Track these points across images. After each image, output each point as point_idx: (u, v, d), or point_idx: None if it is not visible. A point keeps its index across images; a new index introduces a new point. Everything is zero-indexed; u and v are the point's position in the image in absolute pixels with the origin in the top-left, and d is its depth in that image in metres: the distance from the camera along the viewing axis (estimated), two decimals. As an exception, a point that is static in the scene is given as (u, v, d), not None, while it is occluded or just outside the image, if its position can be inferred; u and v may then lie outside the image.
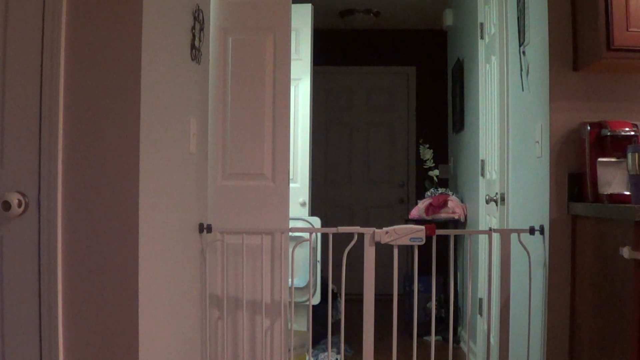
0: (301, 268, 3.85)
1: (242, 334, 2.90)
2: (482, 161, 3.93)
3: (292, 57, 3.08)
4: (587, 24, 2.40)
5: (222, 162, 2.97)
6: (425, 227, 2.73)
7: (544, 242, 2.56)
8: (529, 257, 2.62)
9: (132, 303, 2.07)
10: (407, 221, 4.90)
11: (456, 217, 4.59)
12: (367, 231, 2.75)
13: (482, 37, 4.00)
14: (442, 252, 3.08)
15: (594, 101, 2.52)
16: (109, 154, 2.08)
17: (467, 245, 3.08)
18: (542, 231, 2.58)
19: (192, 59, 2.65)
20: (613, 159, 2.38)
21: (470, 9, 4.42)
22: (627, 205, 2.05)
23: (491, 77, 3.68)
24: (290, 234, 2.94)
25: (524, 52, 2.88)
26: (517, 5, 2.98)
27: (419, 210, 4.78)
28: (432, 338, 2.84)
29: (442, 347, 3.32)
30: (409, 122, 6.49)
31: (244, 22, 2.99)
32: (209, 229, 2.82)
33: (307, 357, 3.40)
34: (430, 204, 4.70)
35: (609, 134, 2.36)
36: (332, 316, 3.09)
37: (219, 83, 2.98)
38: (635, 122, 2.40)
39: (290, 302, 2.91)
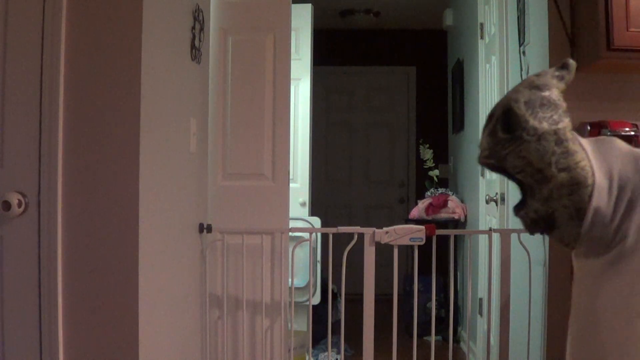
0: (301, 268, 3.84)
1: (242, 334, 2.90)
2: (482, 161, 3.92)
3: (292, 57, 3.08)
4: (587, 24, 2.40)
5: (222, 162, 2.97)
6: (425, 227, 2.73)
7: (543, 242, 2.56)
8: (529, 257, 2.62)
9: (132, 303, 2.07)
10: (407, 221, 4.90)
11: (456, 217, 4.59)
12: (367, 231, 2.75)
13: (482, 37, 4.00)
14: (442, 252, 3.08)
15: (594, 101, 2.52)
16: (108, 154, 2.08)
17: (467, 245, 3.08)
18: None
19: (192, 59, 2.65)
20: (613, 159, 2.38)
21: (470, 9, 4.42)
22: (627, 205, 2.05)
23: (491, 77, 3.68)
24: (290, 234, 2.94)
25: (524, 52, 2.88)
26: (517, 5, 2.98)
27: (419, 210, 4.78)
28: (432, 338, 2.84)
29: (442, 347, 3.33)
30: (409, 122, 6.49)
31: (244, 22, 2.99)
32: (209, 229, 2.82)
33: (307, 357, 3.40)
34: (430, 204, 4.70)
35: (609, 134, 2.36)
36: (332, 316, 3.09)
37: (219, 83, 2.98)
38: (635, 122, 2.40)
39: (290, 302, 2.91)
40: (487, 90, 3.80)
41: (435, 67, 6.10)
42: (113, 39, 2.08)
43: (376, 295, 2.76)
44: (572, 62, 1.19)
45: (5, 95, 2.07)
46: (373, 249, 2.75)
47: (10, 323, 2.06)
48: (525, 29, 2.85)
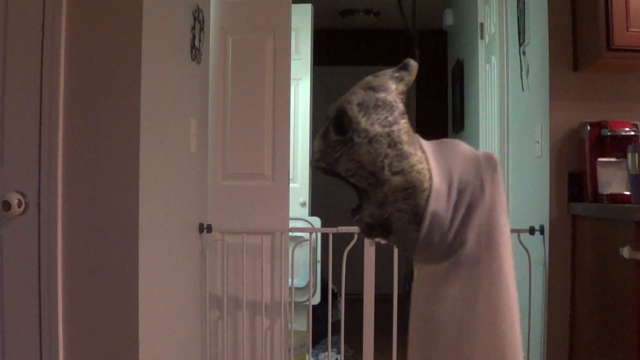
0: (301, 268, 3.84)
1: (242, 334, 2.90)
2: (482, 161, 3.93)
3: (292, 57, 3.08)
4: (587, 24, 2.40)
5: (222, 162, 2.97)
6: (425, 227, 2.73)
7: (544, 242, 2.56)
8: (529, 257, 2.62)
9: (132, 303, 2.07)
10: (407, 221, 4.89)
11: (456, 217, 4.58)
12: (367, 231, 2.75)
13: (482, 37, 4.00)
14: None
15: (594, 101, 2.52)
16: (108, 154, 2.08)
17: (467, 245, 3.08)
18: (542, 231, 2.58)
19: (192, 59, 2.65)
20: (613, 159, 2.38)
21: (470, 9, 4.42)
22: (627, 205, 2.05)
23: (491, 77, 3.68)
24: (290, 234, 2.94)
25: (524, 52, 2.88)
26: (517, 5, 2.98)
27: (419, 210, 4.77)
28: (432, 338, 2.84)
29: (442, 347, 3.32)
30: (409, 122, 6.48)
31: (244, 22, 2.99)
32: (209, 229, 2.82)
33: (307, 357, 3.40)
34: (430, 204, 4.69)
35: (609, 134, 2.36)
36: (332, 316, 3.09)
37: (219, 83, 2.98)
38: (635, 122, 2.40)
39: (290, 302, 2.91)
40: (487, 90, 3.80)
41: (435, 67, 6.10)
42: (113, 39, 2.08)
43: (376, 295, 2.76)
44: (412, 63, 1.15)
45: (5, 96, 2.07)
46: (373, 249, 2.75)
47: (10, 323, 2.06)
48: (525, 29, 2.85)
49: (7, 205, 2.00)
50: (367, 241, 2.74)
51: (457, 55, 5.12)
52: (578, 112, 2.51)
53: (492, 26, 3.68)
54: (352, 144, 1.07)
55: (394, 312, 2.80)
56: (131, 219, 2.07)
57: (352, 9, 5.74)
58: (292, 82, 3.26)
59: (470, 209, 1.10)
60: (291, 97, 3.18)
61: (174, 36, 2.45)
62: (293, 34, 3.56)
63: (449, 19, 5.38)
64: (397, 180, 1.07)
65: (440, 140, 1.17)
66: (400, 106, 1.11)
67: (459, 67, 4.91)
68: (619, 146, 2.36)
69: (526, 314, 2.67)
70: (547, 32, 2.55)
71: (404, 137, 1.09)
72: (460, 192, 1.10)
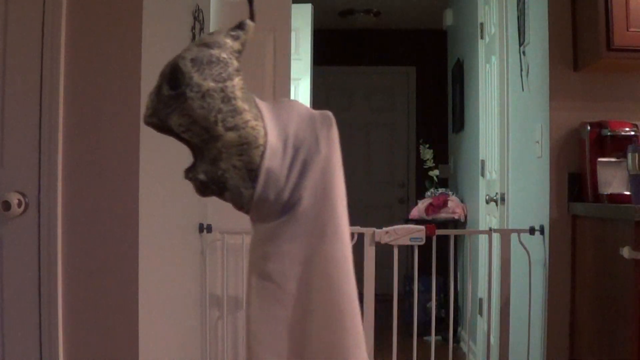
0: (301, 268, 3.84)
1: (242, 334, 2.90)
2: (482, 161, 3.93)
3: (292, 57, 3.07)
4: (587, 24, 2.40)
5: (222, 162, 2.97)
6: (425, 227, 2.73)
7: (544, 242, 2.56)
8: (529, 257, 2.62)
9: (132, 303, 2.07)
10: (407, 221, 4.90)
11: (456, 217, 4.59)
12: (367, 231, 2.75)
13: (482, 37, 4.00)
14: (442, 252, 3.08)
15: (594, 101, 2.51)
16: (108, 153, 2.08)
17: (467, 245, 3.08)
18: (542, 231, 2.58)
19: (192, 59, 2.65)
20: (613, 159, 2.38)
21: (470, 9, 4.42)
22: (627, 205, 2.05)
23: (491, 77, 3.68)
24: (290, 234, 2.94)
25: (524, 52, 2.88)
26: (517, 5, 2.98)
27: (419, 210, 4.78)
28: (432, 338, 2.84)
29: (442, 347, 3.32)
30: (409, 122, 6.48)
31: (244, 22, 2.98)
32: (209, 229, 2.82)
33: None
34: (430, 204, 4.70)
35: (609, 134, 2.36)
36: (332, 316, 3.09)
37: (219, 83, 2.97)
38: (635, 122, 2.40)
39: (290, 302, 2.91)
40: (487, 90, 3.80)
41: (435, 67, 6.10)
42: (113, 39, 2.08)
43: (376, 295, 2.76)
44: (249, 22, 1.18)
45: (5, 96, 2.07)
46: (373, 249, 2.75)
47: (10, 323, 2.06)
48: (525, 29, 2.85)
49: (7, 205, 2.00)
50: (367, 241, 2.74)
51: (457, 55, 5.12)
52: (578, 112, 2.51)
53: (492, 26, 3.68)
54: (185, 98, 1.07)
55: (394, 312, 2.80)
56: (131, 219, 2.07)
57: (352, 9, 5.74)
58: (292, 82, 3.26)
59: (306, 166, 1.11)
60: (291, 97, 3.18)
61: (174, 36, 2.45)
62: (293, 34, 3.55)
63: (449, 19, 5.38)
64: (231, 135, 1.07)
65: (278, 100, 1.20)
66: (235, 63, 1.11)
67: (459, 67, 4.91)
68: (619, 146, 2.36)
69: (526, 314, 2.67)
70: (547, 32, 2.54)
71: (238, 93, 1.09)
72: (296, 149, 1.11)
